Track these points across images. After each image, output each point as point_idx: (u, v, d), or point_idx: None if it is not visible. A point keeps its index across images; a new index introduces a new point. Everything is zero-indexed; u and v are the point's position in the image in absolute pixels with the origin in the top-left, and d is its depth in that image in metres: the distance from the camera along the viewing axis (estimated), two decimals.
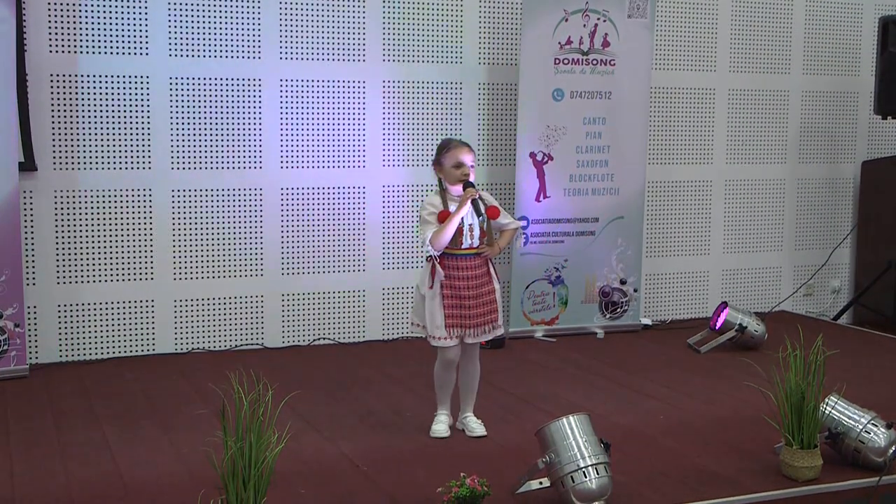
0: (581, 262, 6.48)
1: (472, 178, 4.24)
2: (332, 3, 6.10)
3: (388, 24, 6.23)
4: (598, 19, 6.33)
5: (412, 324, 4.41)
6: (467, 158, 4.24)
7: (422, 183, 6.30)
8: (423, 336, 4.35)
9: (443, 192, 4.30)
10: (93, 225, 5.70)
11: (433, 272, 4.23)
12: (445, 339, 4.24)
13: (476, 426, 4.40)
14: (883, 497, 3.85)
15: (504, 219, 4.40)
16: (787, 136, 7.43)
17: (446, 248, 4.20)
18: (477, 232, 4.26)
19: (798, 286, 7.54)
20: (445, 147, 4.29)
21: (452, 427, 4.44)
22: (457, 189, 4.25)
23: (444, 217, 4.19)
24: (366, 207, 6.27)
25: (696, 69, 7.07)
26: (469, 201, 4.17)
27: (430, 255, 4.23)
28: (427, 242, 4.19)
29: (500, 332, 4.42)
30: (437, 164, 4.30)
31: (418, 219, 4.39)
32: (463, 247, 4.23)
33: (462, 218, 4.20)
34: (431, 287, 4.23)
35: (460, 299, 4.23)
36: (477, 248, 4.27)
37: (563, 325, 6.49)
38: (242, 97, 5.96)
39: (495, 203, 4.36)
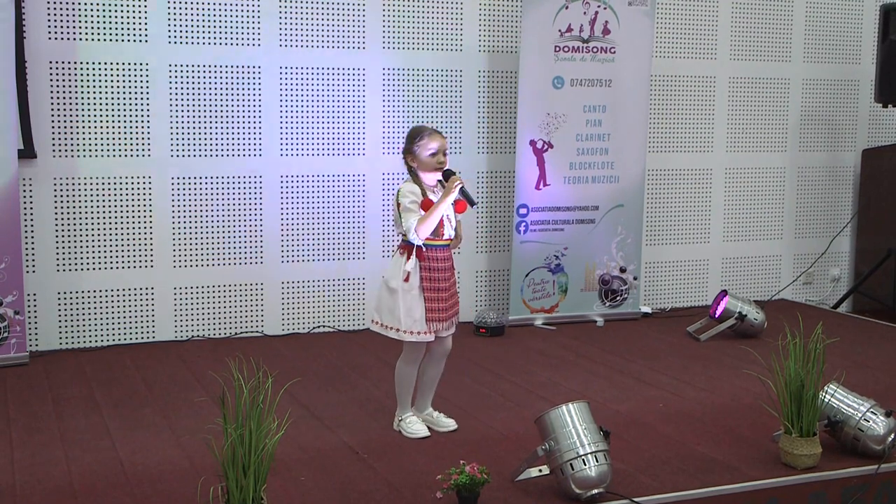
0: (581, 250, 6.48)
1: (446, 166, 4.12)
2: None
3: (387, 11, 6.22)
4: (599, 7, 6.31)
5: (372, 321, 4.20)
6: (442, 145, 4.10)
7: None
8: (385, 334, 4.13)
9: (418, 181, 4.13)
10: (92, 212, 5.70)
11: (410, 260, 4.06)
12: (425, 333, 4.08)
13: (446, 420, 4.30)
14: (882, 485, 3.86)
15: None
16: (788, 124, 7.42)
17: (428, 238, 4.06)
18: (454, 222, 4.15)
19: (798, 274, 7.54)
20: (418, 135, 4.12)
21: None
22: (430, 178, 4.11)
23: (427, 206, 4.05)
24: (366, 195, 6.27)
25: (696, 57, 7.06)
26: (457, 189, 4.05)
27: (407, 245, 4.08)
28: (413, 231, 4.02)
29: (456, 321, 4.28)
30: (409, 152, 4.13)
31: (394, 206, 4.19)
32: (444, 237, 4.11)
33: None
34: (407, 280, 4.07)
35: (438, 292, 4.10)
36: (452, 239, 4.15)
37: (563, 313, 6.49)
38: (242, 84, 5.95)
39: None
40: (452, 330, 4.24)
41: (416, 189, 4.09)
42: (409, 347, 4.18)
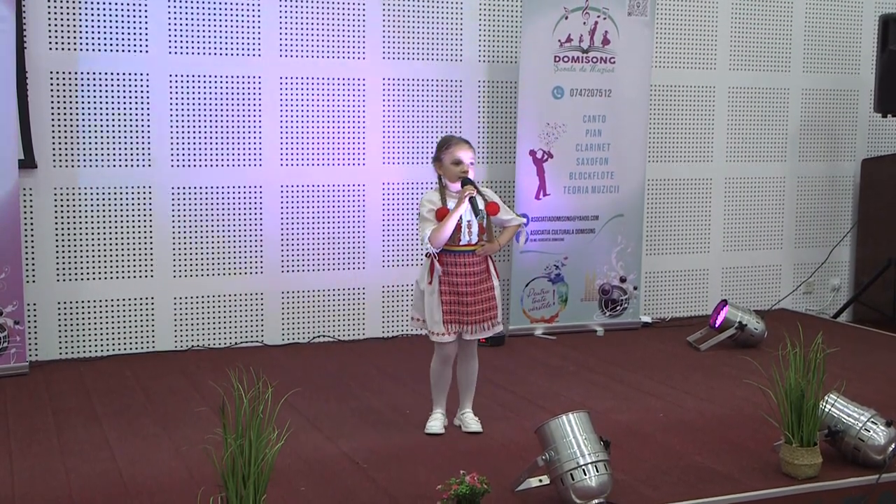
0: (581, 259, 6.48)
1: (471, 175, 4.24)
2: (332, 1, 6.10)
3: (388, 21, 6.23)
4: (599, 17, 6.32)
5: (412, 318, 4.44)
6: (466, 155, 4.24)
7: (421, 180, 6.30)
8: (423, 331, 4.38)
9: (442, 189, 4.30)
10: (92, 222, 5.70)
11: (432, 268, 4.24)
12: (443, 334, 4.26)
13: (472, 422, 4.40)
14: (882, 495, 3.85)
15: (505, 215, 4.40)
16: (787, 133, 7.42)
17: (445, 244, 4.21)
18: (475, 229, 4.26)
19: (798, 284, 7.54)
20: (445, 144, 4.30)
21: (448, 426, 4.43)
22: (456, 186, 4.26)
23: (442, 214, 4.20)
24: (365, 205, 6.27)
25: (696, 67, 7.07)
26: (467, 199, 4.18)
27: (429, 252, 4.24)
28: (426, 240, 4.19)
29: (499, 328, 4.42)
30: (437, 160, 4.31)
31: (417, 216, 4.40)
32: (461, 244, 4.24)
33: (461, 215, 4.20)
34: (430, 283, 4.25)
35: (458, 295, 4.24)
36: (475, 244, 4.27)
37: (563, 323, 6.49)
38: (242, 95, 5.95)
39: (496, 199, 4.36)
40: (482, 334, 4.35)
41: (435, 197, 4.27)
42: (437, 348, 4.36)
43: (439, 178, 4.34)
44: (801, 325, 4.44)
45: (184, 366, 5.56)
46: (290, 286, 6.15)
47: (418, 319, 4.39)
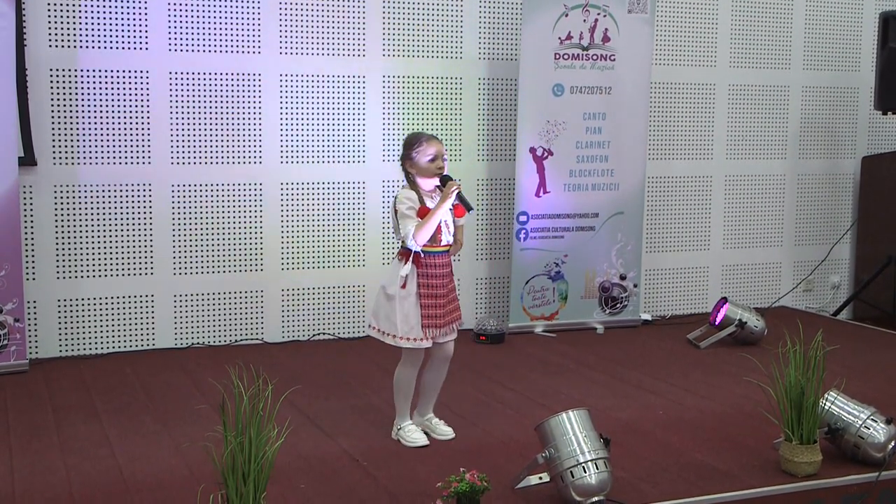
0: (581, 257, 6.48)
1: (444, 171, 4.12)
2: None
3: (388, 18, 6.23)
4: (599, 14, 6.32)
5: (370, 326, 4.21)
6: (441, 150, 4.11)
7: None
8: (382, 339, 4.14)
9: (415, 188, 4.14)
10: (92, 220, 5.70)
11: (405, 269, 4.06)
12: (421, 340, 4.09)
13: (446, 428, 4.29)
14: (882, 492, 3.86)
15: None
16: (788, 131, 7.42)
17: (426, 245, 4.05)
18: (452, 228, 4.15)
19: (798, 282, 7.54)
20: (416, 142, 4.12)
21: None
22: (429, 185, 4.11)
23: (424, 213, 4.05)
24: (366, 202, 6.27)
25: (696, 64, 7.07)
26: (454, 194, 4.05)
27: (406, 251, 4.07)
28: (411, 237, 4.02)
29: (459, 327, 4.28)
30: (409, 159, 4.12)
31: (392, 213, 4.20)
32: (442, 244, 4.11)
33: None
34: (404, 286, 4.07)
35: (435, 298, 4.09)
36: (450, 245, 4.15)
37: (563, 321, 6.49)
38: (242, 92, 5.95)
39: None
40: (453, 335, 4.23)
41: (413, 195, 4.11)
42: (407, 354, 4.18)
43: (408, 176, 4.16)
44: (801, 322, 4.44)
45: (184, 363, 5.56)
46: (290, 283, 6.15)
47: (376, 328, 4.14)
